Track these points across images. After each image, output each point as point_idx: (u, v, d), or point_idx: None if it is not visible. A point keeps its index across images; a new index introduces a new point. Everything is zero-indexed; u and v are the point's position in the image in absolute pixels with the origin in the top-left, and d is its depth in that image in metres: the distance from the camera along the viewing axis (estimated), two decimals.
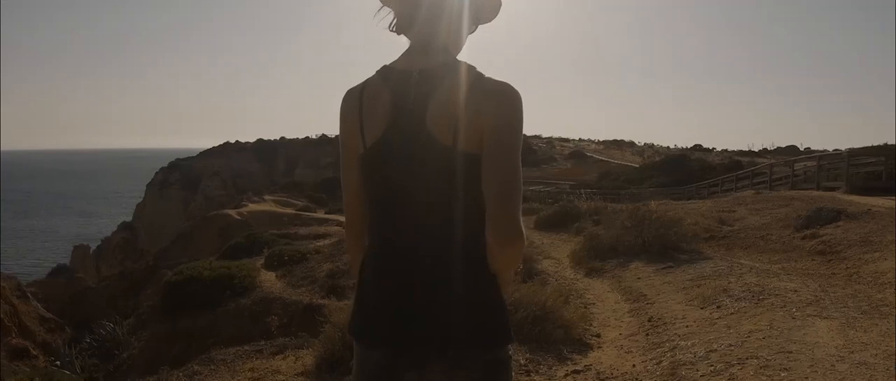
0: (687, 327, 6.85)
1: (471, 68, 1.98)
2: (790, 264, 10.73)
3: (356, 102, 2.07)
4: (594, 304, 9.25)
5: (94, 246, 69.48)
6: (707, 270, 9.87)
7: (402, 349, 2.00)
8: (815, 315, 6.60)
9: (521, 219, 1.87)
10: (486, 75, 1.96)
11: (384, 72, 2.06)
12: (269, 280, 17.31)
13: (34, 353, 23.53)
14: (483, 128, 1.88)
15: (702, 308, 7.59)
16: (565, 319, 7.11)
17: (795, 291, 7.84)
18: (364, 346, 2.09)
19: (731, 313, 7.04)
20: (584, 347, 6.85)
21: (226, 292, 15.14)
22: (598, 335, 7.41)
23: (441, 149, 1.91)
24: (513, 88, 1.93)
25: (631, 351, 6.49)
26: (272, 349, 10.18)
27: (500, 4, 2.15)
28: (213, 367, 10.23)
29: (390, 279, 2.03)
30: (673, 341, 6.39)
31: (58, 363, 16.18)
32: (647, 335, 6.98)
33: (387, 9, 2.11)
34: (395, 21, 2.08)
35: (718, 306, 7.45)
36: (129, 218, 79.00)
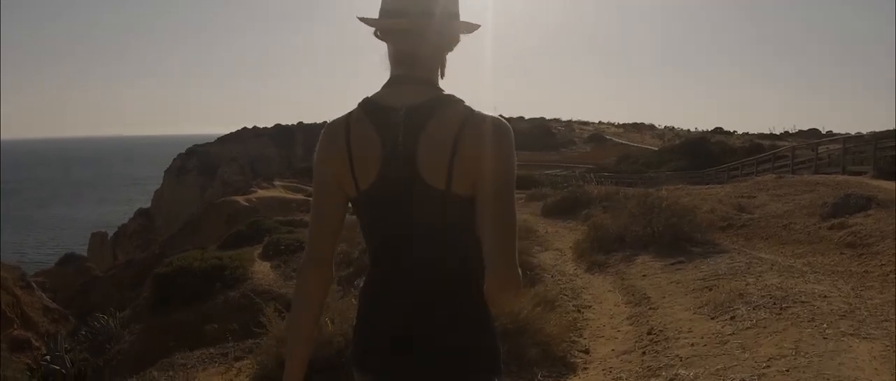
0: (692, 346, 5.49)
1: (459, 103, 1.93)
2: (816, 258, 9.34)
3: (342, 142, 1.98)
4: (590, 307, 7.94)
5: (111, 233, 68.84)
6: (722, 267, 8.50)
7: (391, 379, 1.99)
8: (852, 334, 5.20)
9: (517, 262, 1.83)
10: (476, 110, 1.91)
11: (368, 108, 1.98)
12: (263, 271, 16.43)
13: (36, 344, 22.67)
14: (475, 170, 1.85)
15: (712, 319, 6.21)
16: (545, 333, 5.80)
17: (825, 297, 6.43)
18: (360, 373, 2.08)
19: (748, 328, 5.65)
20: (564, 369, 5.56)
21: (216, 285, 14.40)
22: (587, 351, 6.11)
23: (434, 193, 1.88)
24: (504, 125, 1.90)
25: (620, 378, 5.17)
26: (237, 353, 9.23)
27: (479, 25, 2.06)
28: (170, 373, 9.29)
29: (386, 312, 2.02)
30: (673, 366, 5.05)
31: (48, 357, 15.52)
32: (644, 354, 5.65)
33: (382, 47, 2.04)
34: (388, 54, 2.01)
35: (732, 317, 6.07)
36: (147, 205, 78.13)
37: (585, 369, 5.62)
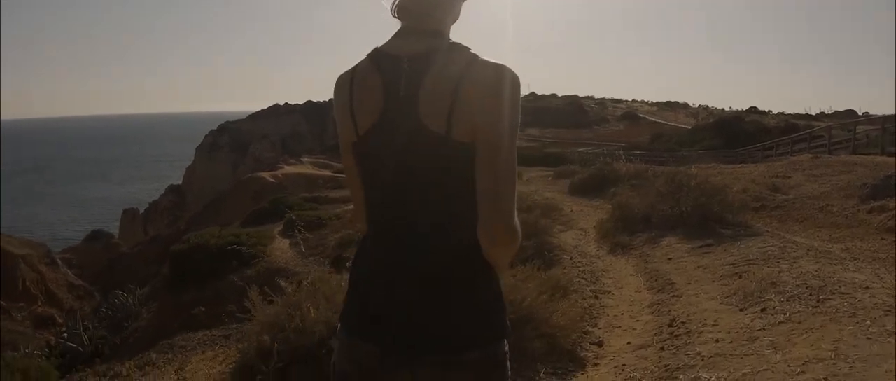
0: (717, 342, 4.82)
1: (464, 51, 1.85)
2: (855, 243, 8.61)
3: (346, 88, 1.94)
4: (610, 293, 7.30)
5: (142, 210, 68.97)
6: (753, 250, 7.80)
7: (390, 348, 1.86)
8: None
9: (516, 215, 1.77)
10: (481, 57, 1.81)
11: (375, 56, 1.92)
12: (281, 249, 16.05)
13: (60, 321, 22.54)
14: (476, 116, 1.76)
15: (741, 310, 5.52)
16: (552, 323, 5.17)
17: (866, 288, 5.69)
18: (353, 336, 1.95)
19: (780, 322, 4.97)
20: (572, 365, 4.94)
21: (232, 262, 14.14)
22: (600, 344, 5.47)
23: (434, 138, 1.78)
24: (508, 71, 1.78)
25: (632, 378, 4.54)
26: (238, 336, 8.73)
27: None
28: (169, 356, 8.85)
29: (382, 271, 1.92)
30: (693, 366, 4.39)
31: (65, 334, 15.31)
32: (663, 349, 5.00)
33: None
34: (396, 3, 1.92)
35: (763, 309, 5.38)
36: (179, 181, 77.93)
37: (596, 365, 4.99)
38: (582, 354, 5.18)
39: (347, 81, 1.95)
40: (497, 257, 1.84)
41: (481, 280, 1.86)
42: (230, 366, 5.86)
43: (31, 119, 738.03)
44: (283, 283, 6.27)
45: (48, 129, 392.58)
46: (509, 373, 1.91)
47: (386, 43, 1.94)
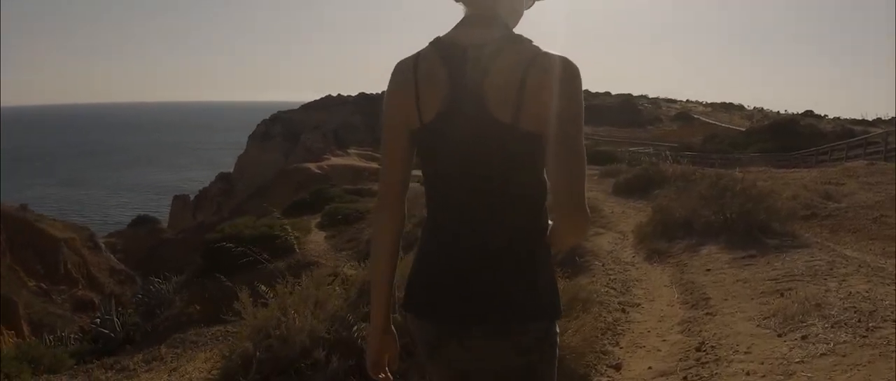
0: (747, 375, 4.18)
1: (528, 43, 1.86)
2: None
3: (410, 76, 1.93)
4: (639, 306, 6.68)
5: (193, 197, 69.40)
6: (799, 265, 7.10)
7: (443, 319, 1.92)
8: None
9: (586, 202, 1.80)
10: (543, 50, 1.83)
11: (438, 44, 1.93)
12: (316, 241, 15.69)
13: (99, 305, 22.47)
14: (544, 107, 1.78)
15: (779, 336, 4.87)
16: (564, 344, 4.58)
17: None
18: (412, 311, 2.02)
19: (822, 354, 4.31)
20: None
21: (263, 254, 13.76)
22: (618, 367, 4.88)
23: (501, 127, 1.81)
24: (572, 64, 1.81)
25: None
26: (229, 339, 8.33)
27: None
28: (178, 351, 8.48)
29: (442, 251, 1.95)
30: None
31: (97, 320, 15.14)
32: (685, 379, 4.40)
33: None
34: None
35: (804, 336, 4.72)
36: (230, 169, 78.17)
37: None
38: (596, 378, 4.59)
39: (410, 68, 1.93)
40: (570, 239, 1.90)
41: (539, 261, 1.88)
42: (214, 373, 5.40)
43: (84, 104, 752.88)
44: (263, 287, 5.77)
45: (98, 114, 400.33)
46: (556, 352, 1.93)
47: (449, 32, 1.94)
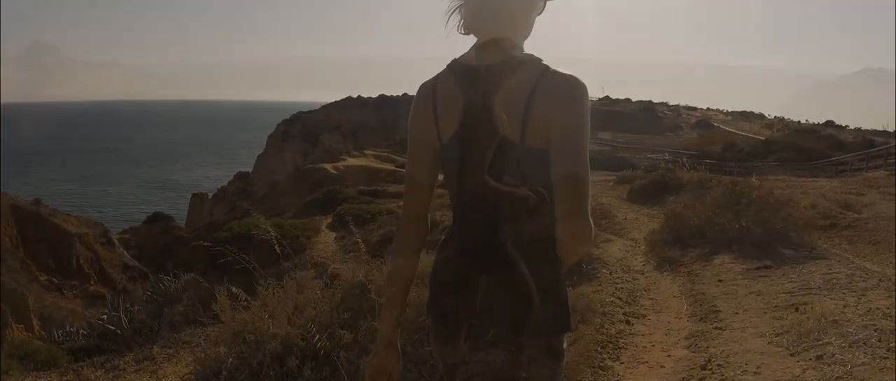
0: None
1: (536, 62, 1.92)
2: None
3: (429, 98, 2.04)
4: (645, 317, 6.30)
5: (211, 195, 69.25)
6: (816, 277, 6.70)
7: (459, 328, 1.97)
8: None
9: (589, 213, 1.83)
10: (552, 68, 1.90)
11: (454, 66, 2.02)
12: (325, 242, 15.41)
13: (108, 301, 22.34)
14: (549, 124, 1.84)
15: (792, 355, 4.47)
16: None
17: None
18: (435, 319, 2.09)
19: (838, 377, 3.92)
20: None
21: (270, 253, 13.58)
22: None
23: (509, 145, 1.88)
24: (578, 82, 1.88)
25: None
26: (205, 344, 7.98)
27: None
28: (170, 351, 8.27)
29: (458, 264, 2.00)
30: None
31: (104, 316, 14.98)
32: None
33: (456, 14, 2.04)
34: (462, 22, 2.02)
35: (819, 356, 4.33)
36: (249, 168, 77.99)
37: None
38: None
39: (430, 91, 2.03)
40: (573, 251, 1.89)
41: (551, 275, 1.90)
42: (188, 378, 5.10)
43: (112, 101, 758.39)
44: (233, 289, 5.46)
45: (129, 111, 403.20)
46: (563, 366, 1.96)
47: (464, 54, 2.01)
